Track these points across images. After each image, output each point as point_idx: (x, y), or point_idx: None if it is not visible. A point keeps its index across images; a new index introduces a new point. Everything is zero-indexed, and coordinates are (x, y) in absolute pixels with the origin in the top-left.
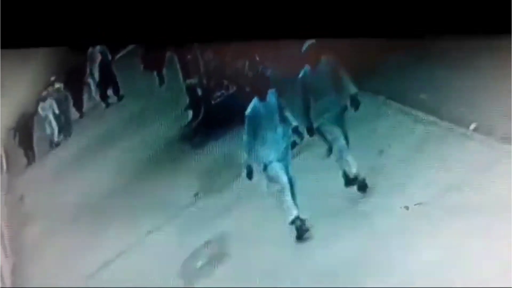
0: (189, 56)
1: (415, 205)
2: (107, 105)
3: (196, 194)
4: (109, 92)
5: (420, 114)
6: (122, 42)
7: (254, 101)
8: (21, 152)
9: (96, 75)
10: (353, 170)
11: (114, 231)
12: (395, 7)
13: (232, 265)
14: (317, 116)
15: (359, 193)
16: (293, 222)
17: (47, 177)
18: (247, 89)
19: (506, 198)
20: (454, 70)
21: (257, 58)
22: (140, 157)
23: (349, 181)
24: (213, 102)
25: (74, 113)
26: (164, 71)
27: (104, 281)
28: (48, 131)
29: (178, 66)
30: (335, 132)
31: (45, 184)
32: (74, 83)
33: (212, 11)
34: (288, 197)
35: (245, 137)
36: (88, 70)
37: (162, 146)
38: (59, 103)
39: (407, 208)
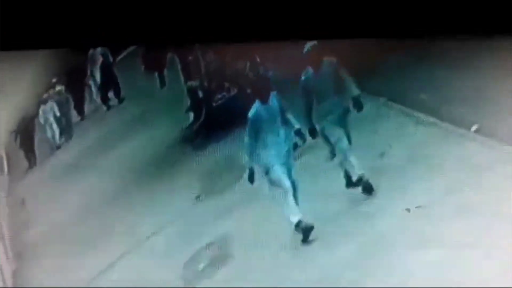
0: (190, 58)
1: (416, 207)
2: (108, 107)
3: (197, 197)
4: (110, 94)
5: (421, 116)
6: (123, 43)
7: (256, 104)
8: (22, 155)
9: (97, 77)
10: (357, 172)
11: (115, 233)
12: (396, 7)
13: (233, 267)
14: (320, 118)
15: (360, 195)
16: (297, 226)
17: (48, 180)
18: (248, 91)
19: (507, 200)
20: (454, 71)
21: (258, 60)
22: (141, 160)
23: (350, 182)
24: (214, 104)
25: (75, 116)
26: (165, 72)
27: (105, 284)
28: (49, 134)
29: (179, 67)
30: (338, 134)
31: (46, 187)
32: (75, 85)
33: (213, 12)
34: (291, 200)
35: (247, 140)
36: (89, 72)
37: (163, 148)
38: (60, 105)
39: (408, 210)
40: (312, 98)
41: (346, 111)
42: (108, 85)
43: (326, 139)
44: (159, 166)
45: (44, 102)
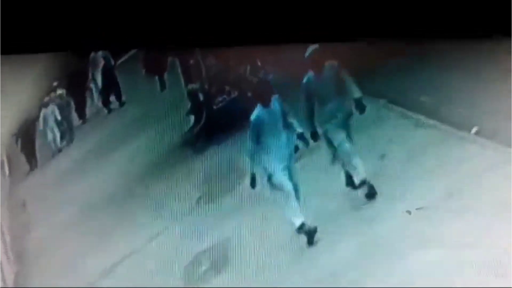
0: (191, 61)
1: (416, 209)
2: (109, 110)
3: (198, 199)
4: (111, 97)
5: (421, 118)
6: (124, 47)
7: (258, 108)
8: (23, 158)
9: (98, 80)
10: (360, 176)
11: (116, 237)
12: (396, 10)
13: (234, 270)
14: (323, 121)
15: (361, 197)
16: (300, 229)
17: (49, 183)
18: (249, 94)
19: (507, 202)
20: (454, 73)
21: (259, 63)
22: (142, 163)
23: (351, 182)
24: (215, 107)
25: (76, 119)
26: (166, 75)
27: (106, 287)
28: (50, 137)
29: (179, 70)
30: (341, 137)
31: (47, 190)
32: (76, 88)
33: (214, 15)
34: (293, 203)
35: (249, 145)
36: (90, 75)
37: (164, 151)
38: (61, 109)
39: (409, 212)
40: (314, 101)
41: (349, 114)
42: (109, 88)
43: (329, 142)
44: (160, 169)
45: (45, 105)
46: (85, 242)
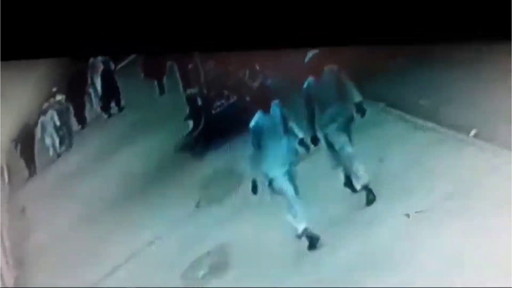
0: (189, 66)
1: (416, 212)
2: (109, 115)
3: (197, 204)
4: (111, 102)
5: (420, 121)
6: (123, 52)
7: (258, 115)
8: (22, 163)
9: (98, 85)
10: (362, 181)
11: (115, 241)
12: (395, 14)
13: (233, 275)
14: (323, 126)
15: (360, 200)
16: (302, 233)
17: (48, 188)
18: (248, 98)
19: (507, 204)
20: (453, 76)
21: (258, 68)
22: (141, 167)
23: (349, 183)
24: (213, 112)
25: (75, 124)
26: (165, 80)
27: None
28: (49, 142)
29: (178, 75)
30: (342, 141)
31: (47, 196)
32: (75, 94)
33: (213, 20)
34: (295, 208)
35: (250, 151)
36: (89, 80)
37: (163, 156)
38: (61, 114)
39: (408, 216)
40: (315, 106)
41: (350, 118)
42: (108, 93)
43: (330, 146)
44: (159, 174)
45: (44, 112)
46: (84, 247)
